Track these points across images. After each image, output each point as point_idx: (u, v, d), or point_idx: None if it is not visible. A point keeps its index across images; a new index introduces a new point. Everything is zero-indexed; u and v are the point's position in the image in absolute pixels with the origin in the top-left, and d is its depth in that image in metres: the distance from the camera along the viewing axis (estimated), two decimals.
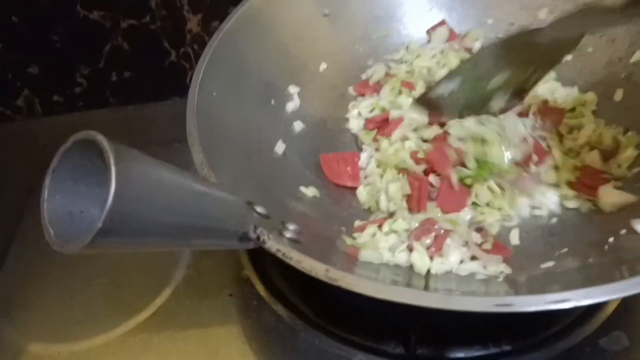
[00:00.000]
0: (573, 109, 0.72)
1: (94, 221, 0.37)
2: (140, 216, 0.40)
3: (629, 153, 0.65)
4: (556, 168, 0.66)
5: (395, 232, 0.62)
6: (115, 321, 0.67)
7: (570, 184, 0.64)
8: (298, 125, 0.75)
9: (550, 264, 0.55)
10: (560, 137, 0.69)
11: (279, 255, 0.49)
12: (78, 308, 0.70)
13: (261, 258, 0.70)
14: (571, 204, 0.63)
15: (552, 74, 0.76)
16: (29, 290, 0.73)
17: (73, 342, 0.66)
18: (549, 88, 0.75)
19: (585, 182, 0.64)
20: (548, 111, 0.71)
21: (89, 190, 0.42)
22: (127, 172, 0.38)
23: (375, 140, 0.74)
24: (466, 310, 0.42)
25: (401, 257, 0.58)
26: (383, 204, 0.67)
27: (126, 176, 0.38)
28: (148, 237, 0.43)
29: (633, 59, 0.72)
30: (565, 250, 0.58)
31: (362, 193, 0.69)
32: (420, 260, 0.57)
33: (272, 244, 0.49)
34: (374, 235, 0.62)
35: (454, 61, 0.79)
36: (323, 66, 0.81)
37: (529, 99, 0.70)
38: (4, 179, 0.90)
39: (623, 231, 0.57)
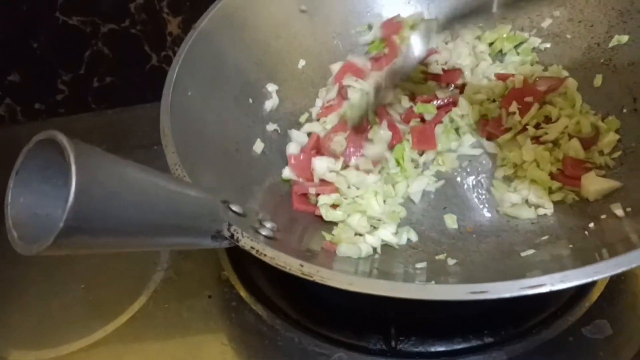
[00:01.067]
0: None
1: (58, 222, 0.36)
2: (106, 214, 0.39)
3: (610, 138, 0.64)
4: (536, 162, 0.65)
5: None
6: (94, 325, 0.66)
7: (552, 176, 0.64)
8: (275, 125, 0.75)
9: (530, 251, 0.55)
10: (538, 125, 0.69)
11: (253, 252, 0.48)
12: (56, 312, 0.69)
13: (241, 259, 0.69)
14: (556, 196, 0.63)
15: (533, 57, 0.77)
16: (6, 297, 0.72)
17: (51, 348, 0.65)
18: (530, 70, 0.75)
19: (567, 173, 0.64)
20: (526, 92, 0.71)
21: (55, 191, 0.41)
22: (91, 171, 0.38)
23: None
24: (441, 299, 0.42)
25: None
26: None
27: (90, 175, 0.37)
28: (116, 236, 0.42)
29: (611, 44, 0.71)
30: (545, 237, 0.57)
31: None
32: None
33: (246, 242, 0.49)
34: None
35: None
36: (302, 63, 0.80)
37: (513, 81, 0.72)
38: None
39: (603, 216, 0.56)
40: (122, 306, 0.67)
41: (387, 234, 0.61)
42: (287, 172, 0.70)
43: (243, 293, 0.66)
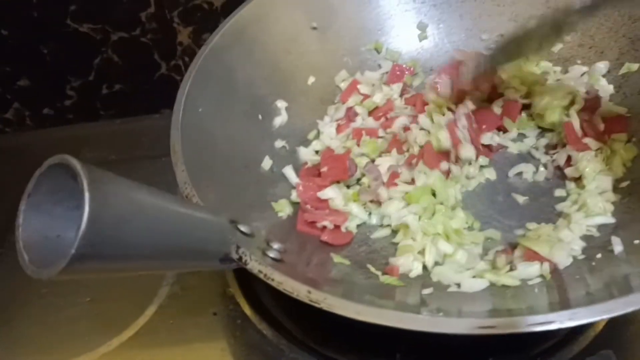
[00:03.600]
0: None
1: (69, 246, 0.37)
2: (117, 240, 0.40)
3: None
4: None
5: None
6: (99, 339, 0.66)
7: None
8: (284, 142, 0.75)
9: (537, 280, 0.55)
10: None
11: (261, 276, 0.48)
12: (61, 326, 0.69)
13: (246, 276, 0.68)
14: None
15: None
16: (11, 309, 0.73)
17: None
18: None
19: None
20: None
21: (66, 213, 0.42)
22: (103, 196, 0.38)
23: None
24: (449, 332, 0.42)
25: None
26: None
27: (101, 200, 0.38)
28: (126, 261, 0.42)
29: (621, 71, 0.72)
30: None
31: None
32: None
33: (254, 265, 0.49)
34: None
35: None
36: (311, 80, 0.80)
37: None
38: None
39: (610, 247, 0.56)
40: (127, 321, 0.67)
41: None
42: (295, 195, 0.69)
43: (248, 311, 0.66)
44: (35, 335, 0.69)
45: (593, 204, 0.60)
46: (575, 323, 0.41)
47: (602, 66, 0.74)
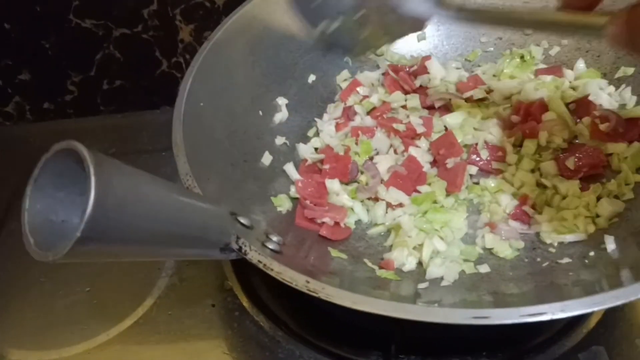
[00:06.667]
0: None
1: (74, 230, 0.37)
2: (120, 225, 0.40)
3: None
4: None
5: None
6: (97, 329, 0.67)
7: None
8: (284, 138, 0.76)
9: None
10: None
11: (260, 266, 0.49)
12: (59, 315, 0.69)
13: (244, 268, 0.70)
14: None
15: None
16: (9, 296, 0.73)
17: (53, 349, 0.66)
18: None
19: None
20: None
21: (71, 198, 0.42)
22: (107, 181, 0.39)
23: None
24: (445, 322, 0.43)
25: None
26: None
27: (106, 185, 0.38)
28: (128, 246, 0.43)
29: (617, 75, 0.73)
30: (546, 264, 0.58)
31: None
32: None
33: (254, 255, 0.50)
34: None
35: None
36: (312, 78, 0.81)
37: None
38: None
39: (603, 245, 0.57)
40: (126, 310, 0.68)
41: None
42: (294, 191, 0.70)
43: (246, 303, 0.67)
44: (33, 324, 0.69)
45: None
46: (566, 314, 0.42)
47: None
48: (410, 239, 0.61)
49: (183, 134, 0.61)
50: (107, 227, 0.39)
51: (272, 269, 0.49)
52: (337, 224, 0.66)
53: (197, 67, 0.68)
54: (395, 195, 0.66)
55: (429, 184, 0.68)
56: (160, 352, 0.64)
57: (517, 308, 0.42)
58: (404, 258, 0.60)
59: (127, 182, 0.41)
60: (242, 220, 0.55)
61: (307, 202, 0.67)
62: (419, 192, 0.67)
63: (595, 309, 0.42)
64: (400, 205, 0.65)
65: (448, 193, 0.67)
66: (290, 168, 0.72)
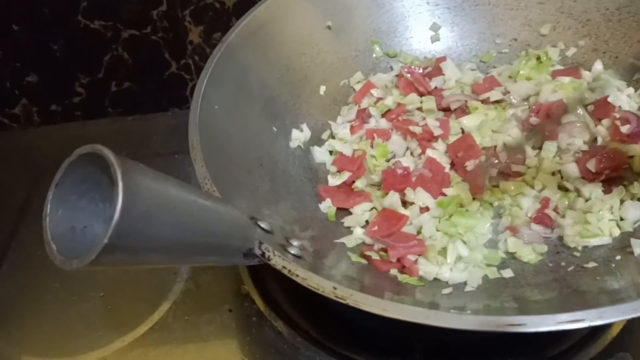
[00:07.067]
0: None
1: (99, 237, 0.36)
2: (147, 232, 0.39)
3: None
4: None
5: None
6: (112, 335, 0.66)
7: None
8: (299, 140, 0.75)
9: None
10: None
11: (285, 272, 0.48)
12: (74, 321, 0.68)
13: (261, 273, 0.69)
14: None
15: None
16: (24, 303, 0.72)
17: (69, 356, 0.65)
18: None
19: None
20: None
21: (92, 205, 0.41)
22: (134, 187, 0.38)
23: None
24: (478, 329, 0.42)
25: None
26: None
27: (133, 191, 0.37)
28: (153, 254, 0.42)
29: (635, 77, 0.73)
30: (571, 268, 0.58)
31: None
32: None
33: (278, 261, 0.49)
34: None
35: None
36: (325, 80, 0.80)
37: None
38: (0, 187, 0.89)
39: (629, 249, 0.57)
40: (141, 317, 0.67)
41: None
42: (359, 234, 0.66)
43: (263, 308, 0.66)
44: (47, 331, 0.68)
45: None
46: (604, 321, 0.41)
47: None
48: (435, 242, 0.60)
49: (199, 138, 0.60)
50: (133, 234, 0.38)
51: (297, 275, 0.47)
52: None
53: (210, 70, 0.67)
54: (423, 197, 0.65)
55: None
56: (177, 358, 0.63)
57: (553, 315, 0.41)
58: (427, 264, 0.59)
59: (154, 189, 0.40)
60: (262, 225, 0.54)
61: (388, 241, 0.61)
62: (444, 194, 0.66)
63: (634, 315, 0.41)
64: (427, 209, 0.65)
65: (473, 196, 0.66)
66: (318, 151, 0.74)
